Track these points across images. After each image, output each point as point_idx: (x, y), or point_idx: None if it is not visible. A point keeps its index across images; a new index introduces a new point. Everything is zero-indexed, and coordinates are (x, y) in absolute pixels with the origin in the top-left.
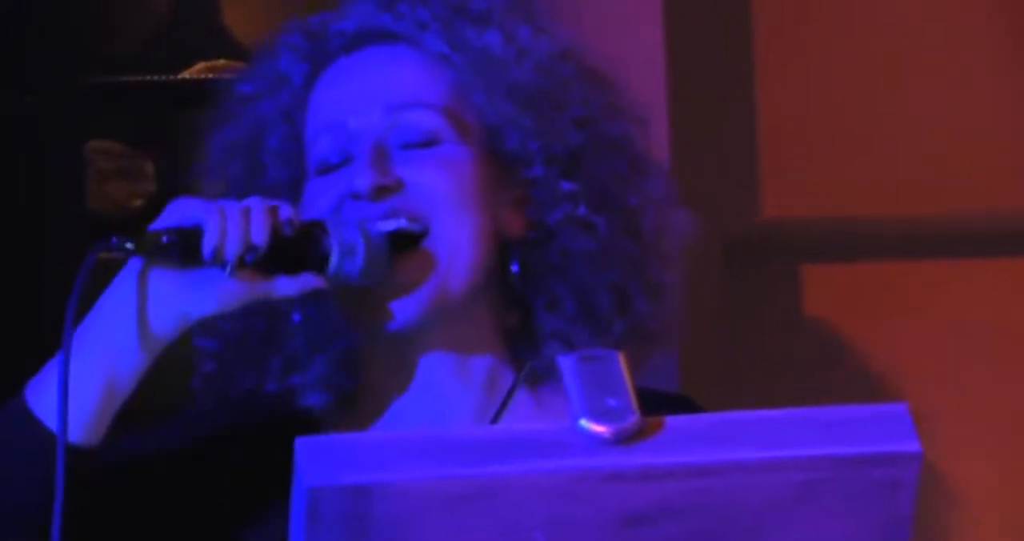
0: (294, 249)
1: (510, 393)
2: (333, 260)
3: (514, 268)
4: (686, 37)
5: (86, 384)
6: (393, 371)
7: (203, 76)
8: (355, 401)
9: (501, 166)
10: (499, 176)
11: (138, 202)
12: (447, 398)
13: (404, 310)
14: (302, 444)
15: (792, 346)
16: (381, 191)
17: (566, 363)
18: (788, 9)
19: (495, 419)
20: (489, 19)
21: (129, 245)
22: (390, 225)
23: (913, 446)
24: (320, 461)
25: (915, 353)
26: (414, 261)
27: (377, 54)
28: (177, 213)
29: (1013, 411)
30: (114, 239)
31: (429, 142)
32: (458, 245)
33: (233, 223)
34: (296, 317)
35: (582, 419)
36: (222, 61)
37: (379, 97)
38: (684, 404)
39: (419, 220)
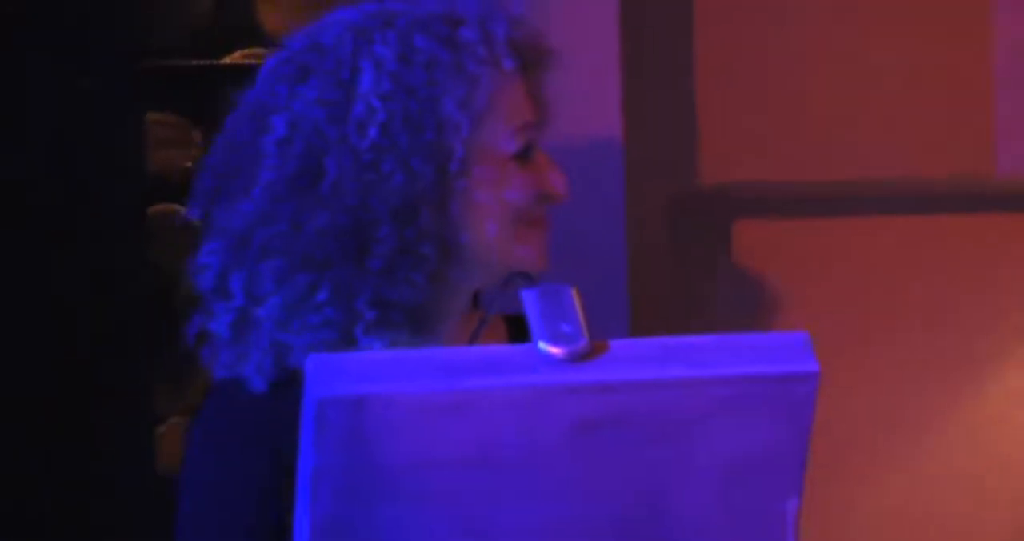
0: None
1: (483, 320)
2: None
3: None
4: (638, 10)
5: None
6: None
7: (240, 62)
8: None
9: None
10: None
11: (188, 164)
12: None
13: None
14: (311, 360)
15: (725, 291)
16: None
17: (528, 295)
18: None
19: (471, 342)
20: None
21: None
22: None
23: (811, 367)
24: (327, 376)
25: (827, 295)
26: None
27: None
28: None
29: (909, 345)
30: None
31: None
32: None
33: None
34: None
35: (541, 342)
36: (256, 49)
37: None
38: None
39: None
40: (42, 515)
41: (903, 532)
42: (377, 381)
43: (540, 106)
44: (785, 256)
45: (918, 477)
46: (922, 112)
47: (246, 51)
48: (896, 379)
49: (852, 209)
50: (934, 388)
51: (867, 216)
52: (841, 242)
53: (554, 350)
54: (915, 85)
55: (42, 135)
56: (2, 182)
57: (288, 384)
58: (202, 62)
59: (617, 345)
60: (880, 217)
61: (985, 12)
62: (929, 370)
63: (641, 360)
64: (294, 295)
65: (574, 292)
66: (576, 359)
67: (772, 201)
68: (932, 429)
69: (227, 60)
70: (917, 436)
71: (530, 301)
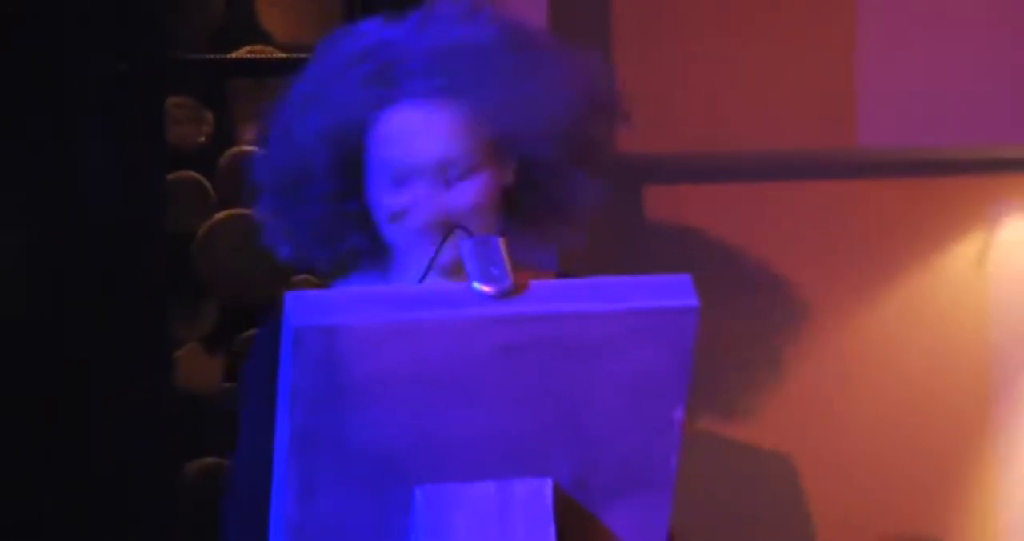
0: None
1: (431, 263)
2: None
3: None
4: None
5: None
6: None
7: (245, 56)
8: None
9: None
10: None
11: (201, 139)
12: None
13: None
14: (289, 297)
15: (638, 248)
16: None
17: (464, 245)
18: None
19: (422, 280)
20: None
21: None
22: None
23: (692, 302)
24: (302, 309)
25: (721, 251)
26: None
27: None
28: None
29: (785, 292)
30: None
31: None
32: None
33: None
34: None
35: (475, 282)
36: (259, 47)
37: None
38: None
39: None
40: (77, 428)
41: (776, 457)
42: (343, 314)
43: None
44: (688, 218)
45: (783, 406)
46: (795, 93)
47: (250, 48)
48: (772, 322)
49: (741, 176)
50: (803, 331)
51: (753, 182)
52: (736, 205)
53: (485, 288)
54: (791, 70)
55: (81, 108)
56: (46, 145)
57: None
58: (214, 56)
59: (535, 285)
60: (763, 183)
61: (851, 9)
62: (799, 315)
63: (555, 297)
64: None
65: (502, 242)
66: (502, 296)
67: (677, 169)
68: (800, 365)
69: (234, 55)
70: (785, 373)
71: (466, 249)
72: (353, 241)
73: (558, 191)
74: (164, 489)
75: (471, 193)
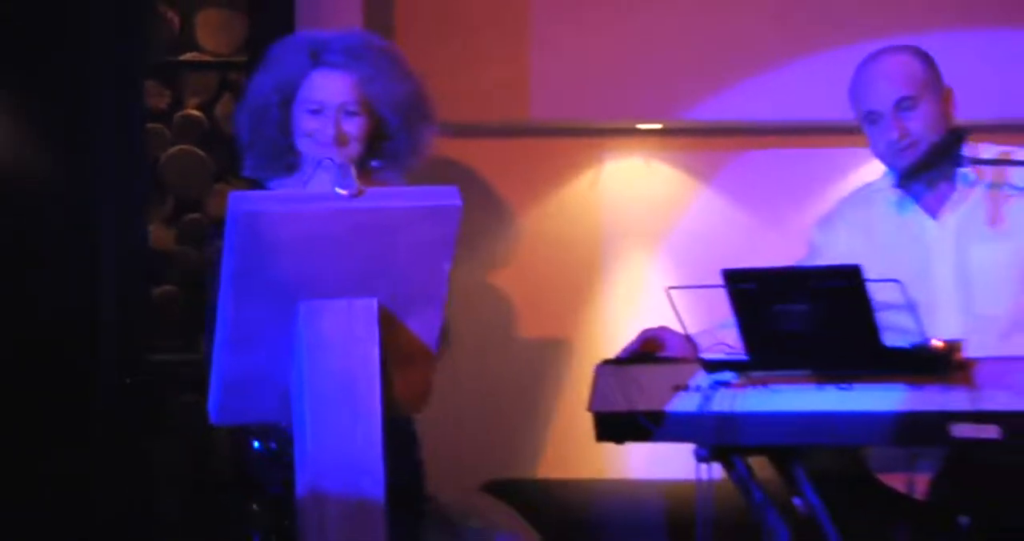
0: None
1: (310, 180)
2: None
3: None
4: None
5: None
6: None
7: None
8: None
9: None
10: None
11: (163, 105)
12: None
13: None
14: (232, 195)
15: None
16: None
17: (331, 167)
18: None
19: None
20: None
21: None
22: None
23: (457, 202)
24: (240, 202)
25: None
26: None
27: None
28: None
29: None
30: None
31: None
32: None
33: None
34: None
35: (336, 188)
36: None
37: None
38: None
39: None
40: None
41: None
42: (263, 204)
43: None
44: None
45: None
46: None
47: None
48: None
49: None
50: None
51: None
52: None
53: (342, 192)
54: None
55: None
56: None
57: None
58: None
59: (370, 191)
60: (474, 141)
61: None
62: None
63: (381, 198)
64: None
65: (352, 168)
66: (352, 197)
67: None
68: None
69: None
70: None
71: (332, 170)
72: (285, 158)
73: (400, 139)
74: None
75: (355, 125)
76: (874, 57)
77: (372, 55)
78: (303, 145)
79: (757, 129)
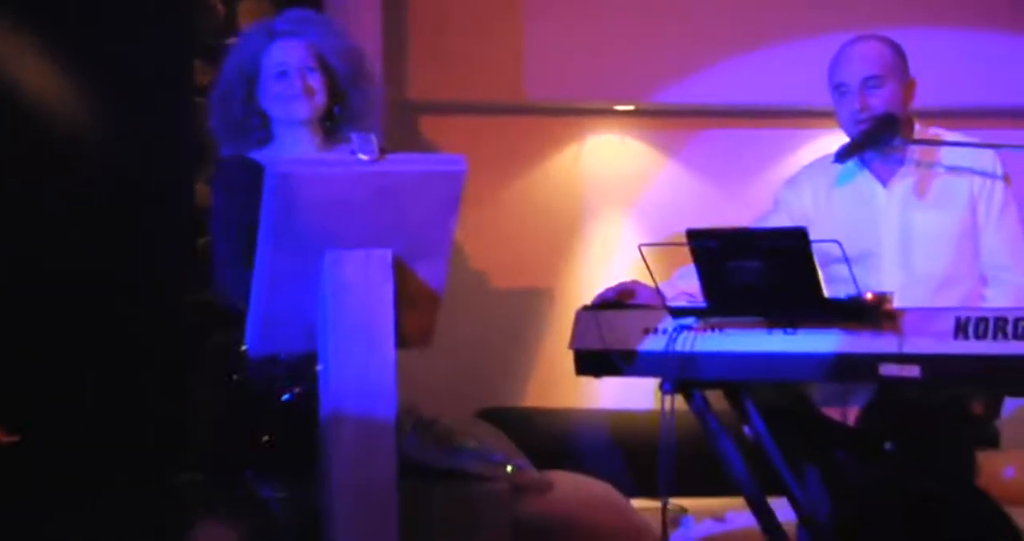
0: None
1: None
2: None
3: (335, 110)
4: None
5: None
6: (293, 141)
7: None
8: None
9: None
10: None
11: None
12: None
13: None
14: (269, 162)
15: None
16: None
17: (357, 136)
18: None
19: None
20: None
21: None
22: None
23: (462, 168)
24: (275, 166)
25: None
26: None
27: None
28: None
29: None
30: None
31: None
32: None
33: None
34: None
35: (360, 154)
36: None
37: None
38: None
39: None
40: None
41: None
42: (297, 167)
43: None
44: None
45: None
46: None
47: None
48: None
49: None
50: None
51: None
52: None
53: (363, 157)
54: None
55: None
56: (125, 85)
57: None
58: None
59: (391, 156)
60: (473, 117)
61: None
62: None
63: (401, 162)
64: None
65: (374, 137)
66: (373, 161)
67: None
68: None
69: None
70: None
71: (358, 137)
72: (254, 134)
73: (353, 94)
74: None
75: (316, 79)
76: (854, 40)
77: (317, 20)
78: (273, 108)
79: (718, 112)
